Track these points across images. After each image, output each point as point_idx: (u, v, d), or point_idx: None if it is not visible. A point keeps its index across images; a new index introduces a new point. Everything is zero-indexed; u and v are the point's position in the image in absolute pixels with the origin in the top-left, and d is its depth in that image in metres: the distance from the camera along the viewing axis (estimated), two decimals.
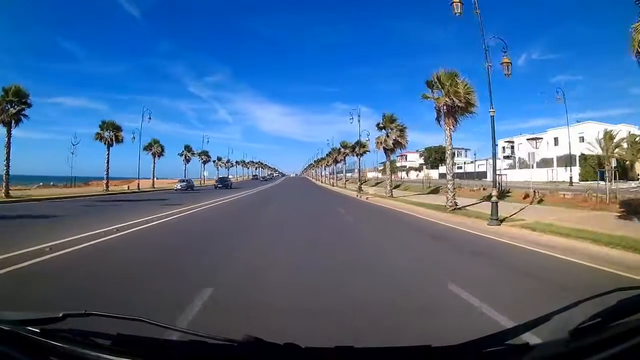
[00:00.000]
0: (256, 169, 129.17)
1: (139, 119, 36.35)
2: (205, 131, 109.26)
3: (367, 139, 32.78)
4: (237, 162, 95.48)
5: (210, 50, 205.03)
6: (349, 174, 74.15)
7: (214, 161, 69.38)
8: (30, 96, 21.71)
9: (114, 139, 31.13)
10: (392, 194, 24.82)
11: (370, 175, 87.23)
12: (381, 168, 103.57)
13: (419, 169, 77.36)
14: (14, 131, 21.60)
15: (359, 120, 31.31)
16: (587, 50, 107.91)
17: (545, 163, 38.38)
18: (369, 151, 35.75)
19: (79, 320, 1.12)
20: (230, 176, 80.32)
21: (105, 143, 31.34)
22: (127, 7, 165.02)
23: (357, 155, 37.33)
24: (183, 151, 52.25)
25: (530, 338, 1.07)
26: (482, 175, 49.72)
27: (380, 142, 25.47)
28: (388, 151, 25.74)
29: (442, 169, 68.76)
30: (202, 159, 58.86)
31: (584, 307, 1.13)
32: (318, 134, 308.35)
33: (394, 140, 24.94)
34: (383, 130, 25.69)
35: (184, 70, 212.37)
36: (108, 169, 31.62)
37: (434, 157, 76.16)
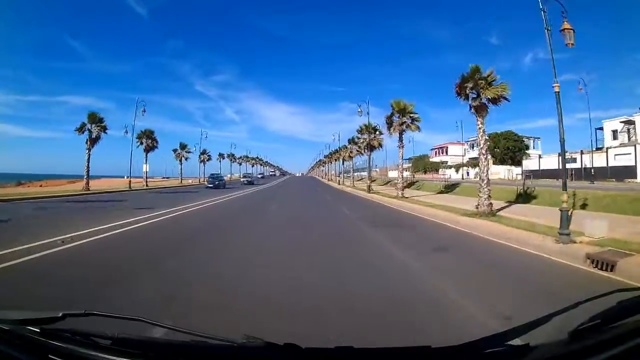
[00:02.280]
0: (252, 166, 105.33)
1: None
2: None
3: None
4: (221, 155, 71.38)
5: (218, 49, 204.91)
6: (353, 173, 53.22)
7: (174, 150, 46.09)
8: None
9: None
10: None
11: (391, 174, 64.36)
12: (408, 165, 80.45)
13: (475, 164, 54.14)
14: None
15: None
16: (594, 50, 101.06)
17: None
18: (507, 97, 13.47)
19: (78, 320, 1.11)
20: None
21: None
22: (134, 6, 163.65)
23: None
24: (84, 123, 25.62)
25: (530, 339, 1.01)
26: (623, 172, 28.18)
27: None
28: None
29: (529, 163, 44.07)
30: (140, 142, 34.61)
31: (584, 308, 1.11)
32: (325, 133, 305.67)
33: None
34: None
35: (191, 69, 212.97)
36: None
37: (504, 146, 51.72)
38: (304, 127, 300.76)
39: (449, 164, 62.58)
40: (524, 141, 52.68)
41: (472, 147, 64.36)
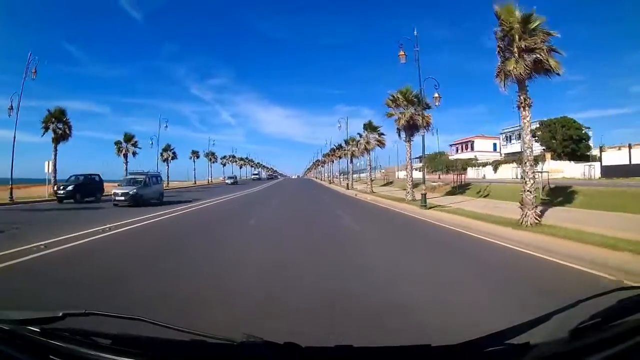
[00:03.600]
0: (240, 167, 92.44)
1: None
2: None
3: None
4: (194, 153, 58.15)
5: (214, 53, 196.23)
6: (355, 175, 44.33)
7: (117, 143, 32.83)
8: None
9: None
10: None
11: (402, 174, 54.32)
12: (419, 165, 68.67)
13: (530, 160, 40.63)
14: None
15: None
16: (588, 50, 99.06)
17: None
18: None
19: (79, 320, 1.10)
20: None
21: None
22: (129, 10, 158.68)
23: None
24: None
25: (531, 337, 0.99)
26: None
27: None
28: None
29: (610, 156, 32.13)
30: (46, 128, 22.48)
31: (584, 307, 1.09)
32: (320, 136, 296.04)
33: None
34: None
35: (187, 72, 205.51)
36: None
37: (563, 135, 39.65)
38: (300, 129, 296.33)
39: (474, 161, 50.72)
40: (584, 130, 41.15)
41: (509, 140, 52.35)
